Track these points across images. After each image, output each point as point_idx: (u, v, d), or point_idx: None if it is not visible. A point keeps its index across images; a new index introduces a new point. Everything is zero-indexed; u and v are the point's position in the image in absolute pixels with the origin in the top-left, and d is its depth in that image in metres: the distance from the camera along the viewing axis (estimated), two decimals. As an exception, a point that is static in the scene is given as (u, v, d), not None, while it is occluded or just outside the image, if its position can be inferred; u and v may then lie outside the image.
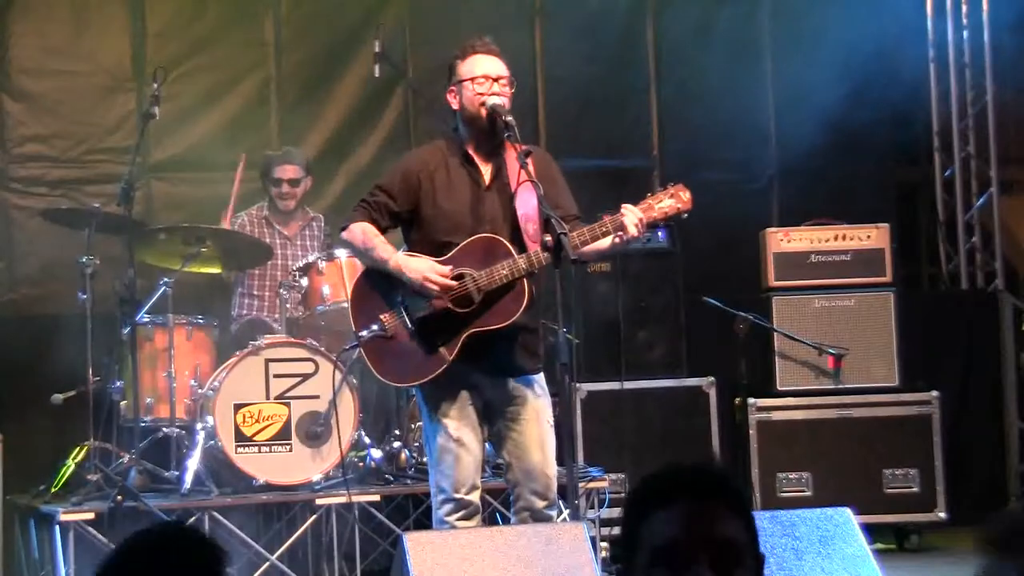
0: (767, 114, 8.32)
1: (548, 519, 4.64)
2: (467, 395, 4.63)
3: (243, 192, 7.39)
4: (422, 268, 4.56)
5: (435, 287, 4.53)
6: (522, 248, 4.55)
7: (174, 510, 5.78)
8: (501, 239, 4.58)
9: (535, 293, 4.60)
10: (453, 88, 4.71)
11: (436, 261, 4.59)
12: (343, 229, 4.77)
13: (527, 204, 4.57)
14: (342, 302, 6.28)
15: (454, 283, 4.54)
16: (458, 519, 4.58)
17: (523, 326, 4.63)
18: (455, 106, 4.71)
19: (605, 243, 4.53)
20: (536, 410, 4.65)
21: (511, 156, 4.63)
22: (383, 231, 4.71)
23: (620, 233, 4.48)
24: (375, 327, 4.63)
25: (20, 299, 7.29)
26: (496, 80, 4.66)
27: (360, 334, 4.66)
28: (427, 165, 4.70)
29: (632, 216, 4.48)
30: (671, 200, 4.61)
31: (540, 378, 4.71)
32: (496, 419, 4.67)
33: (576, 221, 4.62)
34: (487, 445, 4.79)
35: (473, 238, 4.60)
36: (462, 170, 4.69)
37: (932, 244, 8.76)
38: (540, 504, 4.64)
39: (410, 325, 4.60)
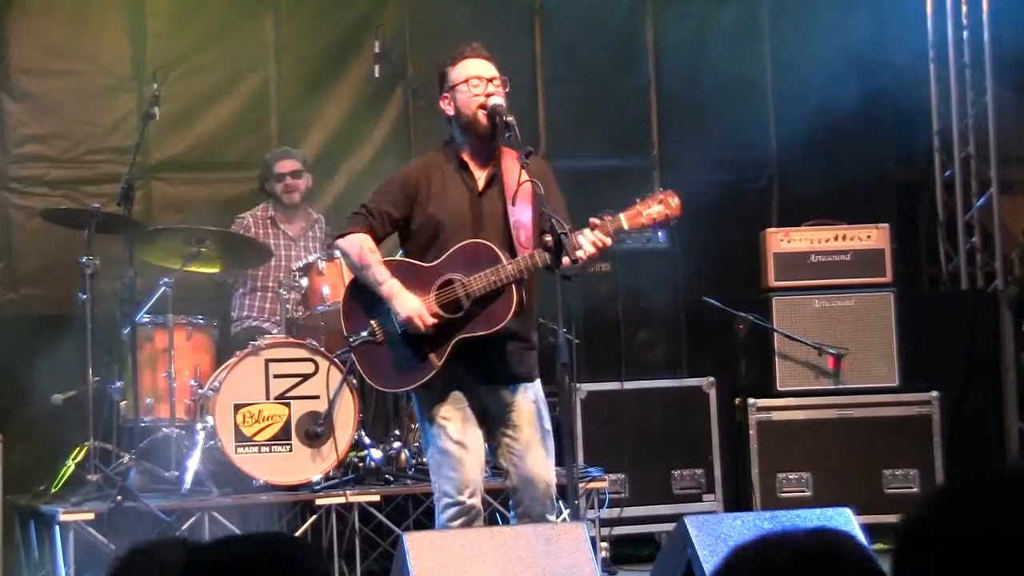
0: (767, 114, 8.31)
1: (548, 523, 4.63)
2: (463, 397, 4.62)
3: (243, 193, 7.41)
4: (412, 308, 4.54)
5: (420, 328, 4.52)
6: (514, 254, 4.53)
7: (174, 510, 5.79)
8: (490, 244, 4.55)
9: (525, 301, 4.57)
10: (446, 95, 4.69)
11: (426, 265, 4.59)
12: (340, 236, 4.76)
13: (521, 211, 4.56)
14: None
15: (432, 326, 4.52)
16: (461, 524, 4.56)
17: (514, 333, 4.61)
18: (450, 112, 4.68)
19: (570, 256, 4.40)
20: (531, 417, 4.63)
21: (508, 160, 4.62)
22: (380, 240, 4.70)
23: (577, 255, 4.34)
24: (364, 333, 4.64)
25: (20, 299, 7.29)
26: (490, 81, 4.65)
27: (350, 339, 4.67)
28: (425, 172, 4.69)
29: (589, 237, 4.41)
30: (659, 206, 4.59)
31: (535, 385, 4.69)
32: (493, 426, 4.66)
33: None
34: (486, 445, 4.78)
35: (463, 243, 4.58)
36: (456, 176, 4.67)
37: (932, 244, 8.75)
38: (540, 510, 4.63)
39: (399, 331, 4.60)
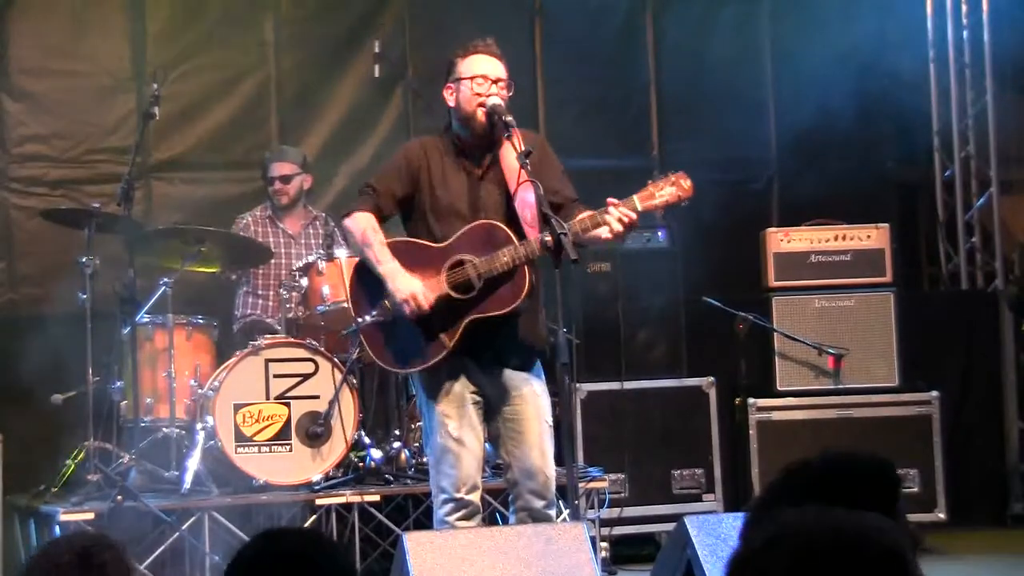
0: (767, 114, 8.32)
1: (547, 519, 4.63)
2: (467, 394, 4.62)
3: (243, 193, 7.42)
4: (408, 290, 4.53)
5: (416, 310, 4.52)
6: (521, 236, 4.54)
7: (174, 510, 5.78)
8: (502, 226, 4.57)
9: (535, 281, 4.59)
10: (451, 85, 4.71)
11: (436, 245, 4.60)
12: (347, 215, 4.76)
13: (523, 191, 4.56)
14: (342, 302, 6.28)
15: (428, 309, 4.52)
16: (458, 519, 4.57)
17: (522, 314, 4.63)
18: (451, 103, 4.71)
19: (598, 233, 4.49)
20: (535, 409, 4.64)
21: (508, 152, 4.62)
22: (385, 219, 4.71)
23: (606, 232, 4.46)
24: (375, 312, 4.63)
25: (20, 299, 7.29)
26: (495, 82, 4.66)
27: (359, 319, 4.66)
28: (425, 153, 4.72)
29: (614, 213, 4.46)
30: (672, 188, 4.62)
31: (540, 376, 4.70)
32: (495, 417, 4.66)
33: (575, 204, 4.64)
34: (487, 445, 4.79)
35: (474, 224, 4.59)
36: (455, 163, 4.69)
37: (932, 244, 8.75)
38: (539, 504, 4.63)
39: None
